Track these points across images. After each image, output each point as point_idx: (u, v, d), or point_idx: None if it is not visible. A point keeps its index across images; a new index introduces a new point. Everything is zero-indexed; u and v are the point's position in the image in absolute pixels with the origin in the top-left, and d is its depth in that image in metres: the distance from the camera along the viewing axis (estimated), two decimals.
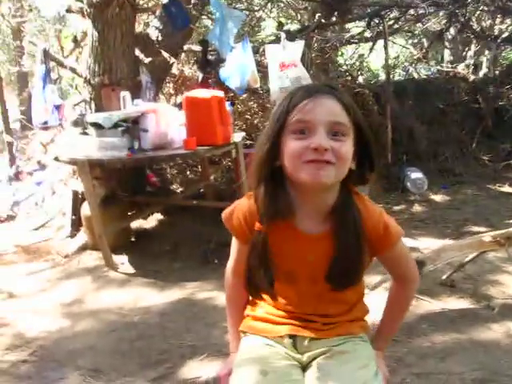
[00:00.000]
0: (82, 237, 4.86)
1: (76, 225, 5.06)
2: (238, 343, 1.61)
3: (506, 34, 8.55)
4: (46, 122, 5.17)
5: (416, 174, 6.47)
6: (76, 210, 5.01)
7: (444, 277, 3.70)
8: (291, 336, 1.51)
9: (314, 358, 1.48)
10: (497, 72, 8.66)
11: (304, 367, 1.49)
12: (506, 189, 6.54)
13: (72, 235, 5.03)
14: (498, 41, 8.35)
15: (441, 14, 7.58)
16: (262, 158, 1.39)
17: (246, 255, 1.48)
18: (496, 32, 8.97)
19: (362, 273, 1.48)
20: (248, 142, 5.44)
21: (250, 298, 1.62)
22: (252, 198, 1.48)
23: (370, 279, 3.39)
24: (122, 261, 4.49)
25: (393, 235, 1.45)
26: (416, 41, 10.19)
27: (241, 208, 1.50)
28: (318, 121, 1.31)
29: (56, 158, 4.38)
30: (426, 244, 4.43)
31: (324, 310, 1.51)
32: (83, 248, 4.75)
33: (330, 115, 1.32)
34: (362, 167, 1.41)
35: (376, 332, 1.65)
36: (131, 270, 4.36)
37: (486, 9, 7.73)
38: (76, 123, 4.52)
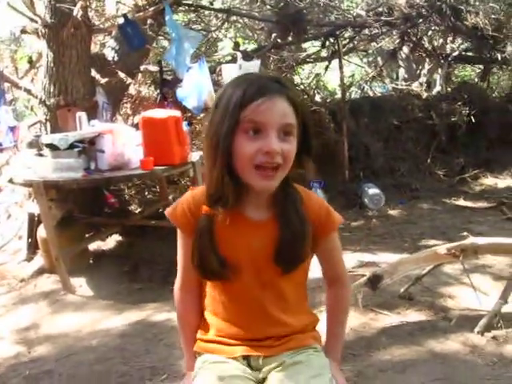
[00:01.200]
0: (39, 260, 4.77)
1: (33, 248, 4.96)
2: (193, 362, 1.60)
3: (456, 53, 8.81)
4: (0, 144, 5.09)
5: (373, 190, 6.57)
6: (32, 232, 4.92)
7: (402, 290, 3.75)
8: (245, 357, 1.51)
9: (269, 373, 1.48)
10: (449, 89, 8.89)
11: (260, 383, 1.50)
12: (461, 202, 6.70)
13: (29, 259, 4.93)
14: (449, 59, 8.59)
15: (394, 33, 7.77)
16: (214, 147, 1.38)
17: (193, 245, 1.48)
18: (448, 50, 9.23)
19: (307, 255, 1.49)
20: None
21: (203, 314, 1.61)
22: (195, 190, 1.52)
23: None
24: (80, 283, 4.42)
25: (334, 220, 1.52)
26: (371, 59, 10.39)
27: (185, 199, 1.53)
28: (270, 123, 1.33)
29: (11, 181, 4.30)
30: (384, 258, 4.50)
31: (267, 312, 1.50)
32: (40, 271, 4.65)
33: (282, 117, 1.35)
34: (300, 153, 1.43)
35: (325, 342, 1.66)
36: (89, 293, 4.29)
37: (436, 28, 7.95)
38: (31, 144, 4.46)
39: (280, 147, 1.34)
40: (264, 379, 1.49)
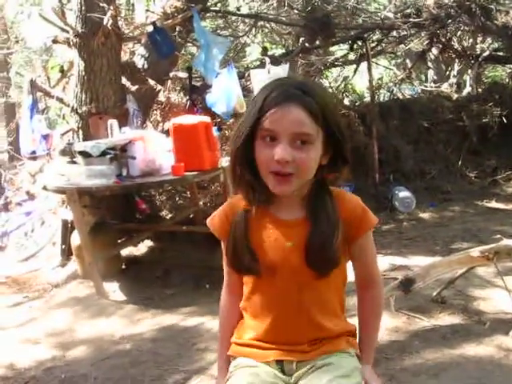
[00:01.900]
0: (73, 266, 4.85)
1: (66, 254, 5.05)
2: (226, 365, 1.62)
3: (487, 53, 8.69)
4: (33, 152, 5.20)
5: (404, 193, 6.52)
6: (66, 239, 5.00)
7: (434, 293, 3.71)
8: (278, 361, 1.51)
9: (300, 378, 1.49)
10: (480, 90, 8.78)
11: None
12: (493, 204, 6.61)
13: (62, 264, 5.02)
14: (480, 59, 8.48)
15: (422, 34, 7.70)
16: (238, 153, 1.42)
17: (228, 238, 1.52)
18: (478, 50, 9.12)
19: (341, 257, 1.48)
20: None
21: (240, 319, 1.63)
22: (232, 198, 1.57)
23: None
24: (113, 288, 4.47)
25: (370, 219, 1.50)
26: (399, 61, 10.32)
27: (222, 207, 1.57)
28: (281, 132, 1.35)
29: (45, 188, 4.39)
30: (416, 262, 4.46)
31: (305, 314, 1.50)
32: (74, 277, 4.72)
33: (295, 126, 1.35)
34: (334, 161, 1.45)
35: (358, 346, 1.64)
36: (122, 298, 4.35)
37: (466, 29, 7.86)
38: (64, 152, 4.53)
39: (292, 156, 1.35)
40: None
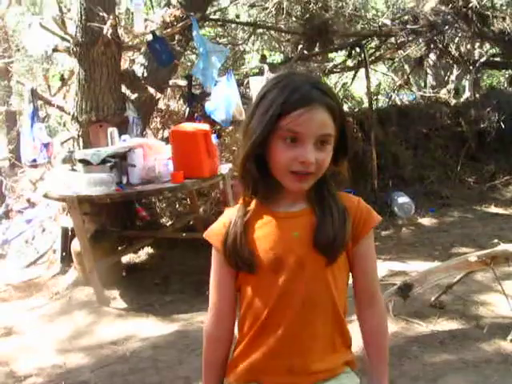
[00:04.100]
0: (73, 273, 4.87)
1: (67, 261, 5.07)
2: None
3: (484, 58, 8.73)
4: (34, 160, 5.23)
5: (403, 199, 6.55)
6: (66, 246, 5.03)
7: (433, 298, 3.74)
8: None
9: None
10: (477, 95, 8.81)
11: None
12: (492, 209, 6.63)
13: (63, 272, 5.04)
14: (477, 65, 8.52)
15: (420, 40, 7.74)
16: (250, 151, 1.40)
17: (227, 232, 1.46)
18: (476, 56, 9.16)
19: (347, 242, 1.43)
20: (236, 173, 5.49)
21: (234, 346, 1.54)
22: (230, 208, 1.52)
23: None
24: (114, 295, 4.50)
25: (374, 215, 1.49)
26: (398, 67, 10.35)
27: (218, 219, 1.53)
28: (308, 134, 1.34)
29: (45, 196, 4.42)
30: (415, 267, 4.48)
31: (312, 325, 1.43)
32: (74, 284, 4.74)
33: (320, 128, 1.35)
34: (336, 153, 1.43)
35: (370, 374, 1.55)
36: (123, 305, 4.37)
37: (463, 34, 7.89)
38: (64, 160, 4.56)
39: (315, 157, 1.35)
40: None
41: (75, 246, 4.60)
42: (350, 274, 1.51)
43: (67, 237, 5.06)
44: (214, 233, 1.50)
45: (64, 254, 5.10)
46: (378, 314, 1.55)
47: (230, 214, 1.49)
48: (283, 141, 1.36)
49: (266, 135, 1.36)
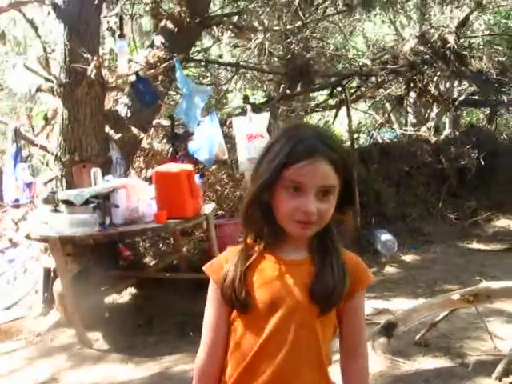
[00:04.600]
0: (55, 314, 4.80)
1: (49, 302, 5.00)
2: None
3: (463, 96, 8.91)
4: (17, 200, 5.21)
5: (385, 236, 6.59)
6: (48, 287, 4.97)
7: (417, 337, 3.74)
8: None
9: None
10: (457, 133, 8.97)
11: None
12: (474, 245, 6.70)
13: (45, 313, 4.97)
14: (456, 103, 8.69)
15: (400, 80, 7.90)
16: (254, 198, 1.45)
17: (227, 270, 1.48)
18: (455, 94, 9.35)
19: (342, 297, 1.46)
20: (219, 213, 5.51)
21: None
22: (232, 247, 1.55)
23: None
24: (97, 337, 4.44)
25: (369, 274, 1.53)
26: (379, 106, 10.51)
27: (222, 254, 1.56)
28: (310, 185, 1.39)
29: (28, 236, 4.38)
30: (399, 305, 4.48)
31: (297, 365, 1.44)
32: (56, 325, 4.68)
33: (322, 180, 1.40)
34: (341, 203, 1.47)
35: None
36: (106, 347, 4.31)
37: (443, 74, 8.07)
38: (47, 200, 4.54)
39: (317, 207, 1.39)
40: None
41: (57, 286, 4.55)
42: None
43: (49, 277, 5.01)
44: (215, 268, 1.53)
45: (46, 294, 5.04)
46: (361, 368, 1.56)
47: (233, 253, 1.52)
48: (286, 190, 1.41)
49: (270, 183, 1.42)
